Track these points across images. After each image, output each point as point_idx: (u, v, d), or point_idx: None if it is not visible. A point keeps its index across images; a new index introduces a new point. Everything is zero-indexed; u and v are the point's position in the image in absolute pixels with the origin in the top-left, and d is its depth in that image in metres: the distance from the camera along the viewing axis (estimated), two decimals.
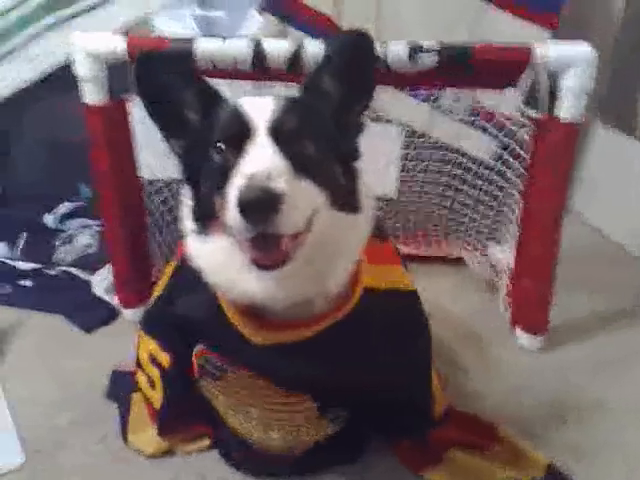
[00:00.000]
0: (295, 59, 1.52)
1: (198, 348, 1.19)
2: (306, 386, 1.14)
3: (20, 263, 2.29)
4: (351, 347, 1.10)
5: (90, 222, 2.49)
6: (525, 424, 1.51)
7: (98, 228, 2.41)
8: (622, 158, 2.58)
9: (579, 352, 1.85)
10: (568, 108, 1.54)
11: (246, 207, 0.81)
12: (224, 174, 0.90)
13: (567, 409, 1.59)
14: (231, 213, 0.84)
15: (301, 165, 0.90)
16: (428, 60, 1.49)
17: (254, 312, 1.06)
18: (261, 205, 0.81)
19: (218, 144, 0.94)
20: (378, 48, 1.49)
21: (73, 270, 2.25)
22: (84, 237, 2.41)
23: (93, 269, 2.22)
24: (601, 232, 2.67)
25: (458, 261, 2.38)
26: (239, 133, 0.92)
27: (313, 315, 1.07)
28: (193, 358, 1.22)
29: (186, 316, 1.18)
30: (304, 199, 0.89)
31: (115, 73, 1.65)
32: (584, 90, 1.51)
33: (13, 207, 2.58)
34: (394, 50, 1.50)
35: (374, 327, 1.14)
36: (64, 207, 2.57)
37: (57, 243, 2.39)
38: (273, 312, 1.05)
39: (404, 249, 2.38)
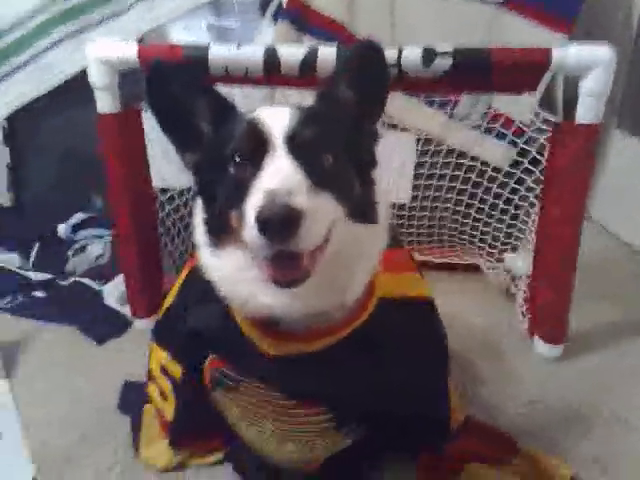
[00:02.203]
0: (308, 65, 1.51)
1: (211, 359, 1.16)
2: (320, 398, 1.10)
3: (32, 274, 2.29)
4: (366, 358, 1.07)
5: (102, 232, 2.49)
6: (544, 436, 1.48)
7: (110, 238, 2.41)
8: None
9: (599, 363, 1.81)
10: (587, 111, 1.51)
11: (267, 225, 0.78)
12: (241, 189, 0.87)
13: (587, 420, 1.56)
14: (250, 231, 0.82)
15: (320, 178, 0.88)
16: (443, 64, 1.47)
17: (268, 323, 1.03)
18: (282, 223, 0.78)
19: (234, 157, 0.92)
20: (393, 53, 1.47)
21: (85, 280, 2.25)
22: (96, 247, 2.41)
23: (105, 279, 2.22)
24: (622, 241, 2.63)
25: (474, 269, 2.34)
26: (256, 146, 0.90)
27: (328, 326, 1.04)
28: (205, 369, 1.19)
29: (198, 328, 1.15)
30: (323, 213, 0.86)
31: (128, 82, 1.65)
32: (603, 92, 1.48)
33: (26, 218, 2.59)
34: (409, 55, 1.48)
35: (390, 337, 1.10)
36: (76, 217, 2.57)
37: (69, 253, 2.39)
38: (287, 323, 1.02)
39: (419, 257, 2.35)
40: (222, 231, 0.95)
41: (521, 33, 2.17)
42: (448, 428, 1.29)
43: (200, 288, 1.07)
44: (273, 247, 0.81)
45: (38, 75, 2.33)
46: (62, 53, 2.32)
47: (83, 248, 2.42)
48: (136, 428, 1.46)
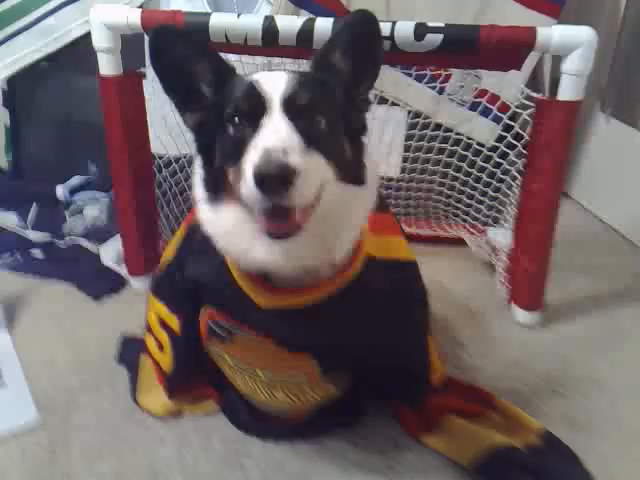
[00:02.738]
0: (305, 35, 1.55)
1: (207, 310, 1.23)
2: (308, 347, 1.19)
3: (31, 233, 2.35)
4: (352, 312, 1.14)
5: (99, 195, 2.53)
6: (521, 397, 1.55)
7: (106, 201, 2.46)
8: (623, 147, 2.61)
9: (575, 330, 1.89)
10: (568, 89, 1.58)
11: (262, 181, 0.84)
12: (239, 147, 0.93)
13: (562, 383, 1.63)
14: (247, 186, 0.88)
15: (313, 139, 0.93)
16: (434, 39, 1.53)
17: (261, 277, 1.10)
18: (277, 179, 0.84)
19: (233, 118, 0.97)
20: (387, 27, 1.53)
21: (82, 241, 2.31)
22: (93, 209, 2.45)
23: (101, 240, 2.28)
24: (600, 219, 2.73)
25: (458, 242, 2.41)
26: (254, 107, 0.95)
27: (317, 282, 1.11)
28: (201, 321, 1.26)
29: (196, 280, 1.21)
30: (315, 173, 0.92)
31: (130, 47, 1.69)
32: (585, 72, 1.55)
33: (25, 179, 2.62)
34: (402, 29, 1.53)
35: (374, 294, 1.18)
36: (74, 180, 2.61)
37: (67, 214, 2.43)
38: (280, 278, 1.09)
39: (406, 229, 2.42)
40: (220, 187, 1.01)
41: (511, 16, 2.24)
42: (428, 381, 1.38)
43: (199, 242, 1.13)
44: (268, 201, 0.87)
45: (40, 38, 2.35)
46: (64, 17, 2.33)
47: (80, 210, 2.46)
48: (133, 378, 1.53)
